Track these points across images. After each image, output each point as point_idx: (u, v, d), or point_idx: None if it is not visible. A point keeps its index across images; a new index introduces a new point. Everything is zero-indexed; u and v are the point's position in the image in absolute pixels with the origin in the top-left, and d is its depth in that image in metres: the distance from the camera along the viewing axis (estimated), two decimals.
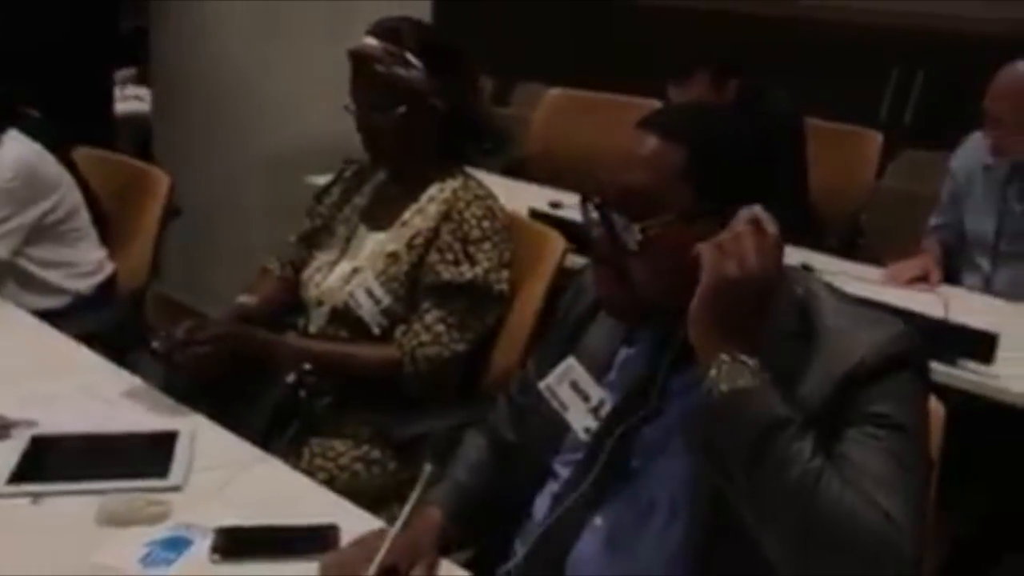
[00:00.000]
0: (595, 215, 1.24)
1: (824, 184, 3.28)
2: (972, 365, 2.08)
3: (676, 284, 1.15)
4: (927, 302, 2.40)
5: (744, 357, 1.10)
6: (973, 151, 2.77)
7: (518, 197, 2.39)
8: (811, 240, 2.93)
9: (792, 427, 1.08)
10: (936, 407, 1.37)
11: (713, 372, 1.11)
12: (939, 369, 2.02)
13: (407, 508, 1.21)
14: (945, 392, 1.47)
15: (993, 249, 2.70)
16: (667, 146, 1.19)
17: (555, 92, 4.04)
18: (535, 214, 2.76)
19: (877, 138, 3.47)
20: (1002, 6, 4.34)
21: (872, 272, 2.68)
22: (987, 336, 2.13)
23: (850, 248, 3.22)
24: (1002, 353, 2.09)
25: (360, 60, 1.89)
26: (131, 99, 4.91)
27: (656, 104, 3.63)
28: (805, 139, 3.22)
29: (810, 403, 1.13)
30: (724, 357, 1.10)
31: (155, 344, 1.73)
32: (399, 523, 1.20)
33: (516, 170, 3.65)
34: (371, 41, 1.89)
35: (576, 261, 1.98)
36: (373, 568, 1.16)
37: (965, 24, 4.42)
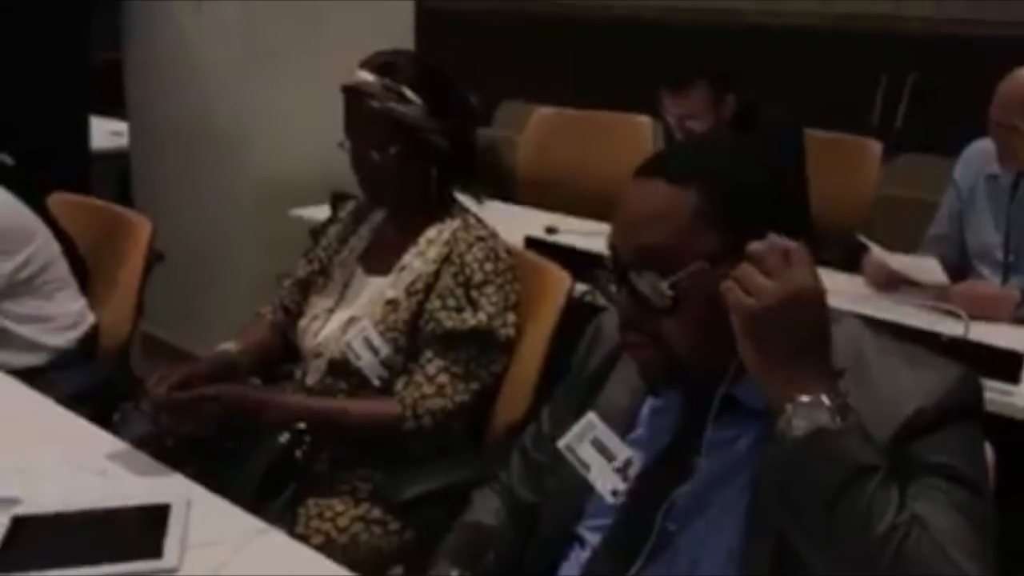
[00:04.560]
0: (613, 283, 1.15)
1: (823, 197, 3.18)
2: (997, 385, 1.98)
3: (716, 333, 1.07)
4: (943, 320, 2.29)
5: (821, 395, 1.01)
6: (976, 160, 2.67)
7: (510, 223, 2.28)
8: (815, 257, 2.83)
9: (879, 474, 0.99)
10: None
11: (787, 413, 1.01)
12: None
13: None
14: None
15: (1003, 262, 2.61)
16: (676, 191, 1.10)
17: (544, 111, 3.92)
18: (531, 242, 2.68)
19: (876, 147, 3.37)
20: (986, 6, 4.27)
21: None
22: (1013, 355, 2.03)
23: (853, 263, 3.13)
24: None
25: (354, 95, 1.80)
26: (109, 134, 4.74)
27: (643, 118, 3.57)
28: (805, 150, 3.12)
29: None
30: (802, 398, 1.01)
31: (142, 406, 1.63)
32: None
33: (506, 194, 3.53)
34: (366, 76, 1.79)
35: (580, 289, 1.89)
36: None
37: (951, 26, 4.36)
